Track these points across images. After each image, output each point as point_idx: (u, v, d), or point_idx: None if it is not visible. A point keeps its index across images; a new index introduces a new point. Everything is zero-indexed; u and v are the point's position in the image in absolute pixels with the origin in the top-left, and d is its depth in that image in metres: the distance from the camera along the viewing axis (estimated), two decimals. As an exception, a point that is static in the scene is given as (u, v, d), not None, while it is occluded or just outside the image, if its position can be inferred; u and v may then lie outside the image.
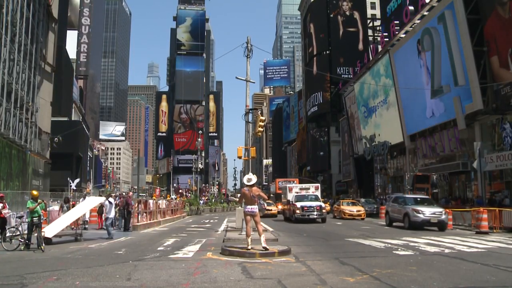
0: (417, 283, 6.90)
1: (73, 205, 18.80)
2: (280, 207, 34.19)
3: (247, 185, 10.70)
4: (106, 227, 16.64)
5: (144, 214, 22.43)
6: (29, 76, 29.95)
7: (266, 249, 9.96)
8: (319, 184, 32.46)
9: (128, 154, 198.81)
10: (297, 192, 27.84)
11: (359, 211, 27.98)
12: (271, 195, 44.45)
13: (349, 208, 28.34)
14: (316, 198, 25.75)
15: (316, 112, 63.93)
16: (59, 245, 13.57)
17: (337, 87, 54.71)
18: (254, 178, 10.86)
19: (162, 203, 28.37)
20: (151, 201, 26.84)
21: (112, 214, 17.39)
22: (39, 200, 12.99)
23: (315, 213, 23.26)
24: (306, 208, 23.35)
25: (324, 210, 23.88)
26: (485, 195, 20.87)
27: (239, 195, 10.78)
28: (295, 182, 44.92)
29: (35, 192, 13.33)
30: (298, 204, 23.65)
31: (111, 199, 17.83)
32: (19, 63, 27.49)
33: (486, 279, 7.23)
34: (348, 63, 57.67)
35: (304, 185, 32.08)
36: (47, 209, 18.16)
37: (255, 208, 10.32)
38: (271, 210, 31.97)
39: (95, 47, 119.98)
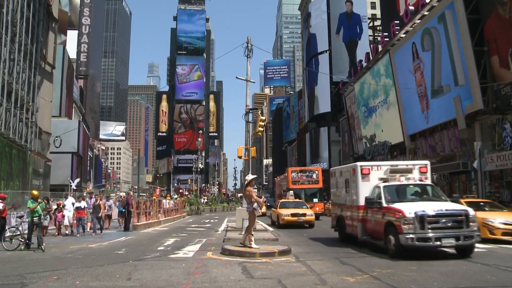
0: (417, 283, 6.90)
1: (58, 205, 18.13)
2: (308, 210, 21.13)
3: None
4: None
5: (145, 213, 22.46)
6: (29, 76, 29.94)
7: (243, 246, 10.84)
8: (428, 163, 12.46)
9: (128, 154, 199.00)
10: (383, 180, 11.58)
11: None
12: (289, 190, 30.02)
13: (498, 218, 12.99)
14: (424, 192, 11.26)
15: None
16: (59, 245, 13.60)
17: (337, 87, 54.66)
18: (250, 177, 11.64)
19: (166, 203, 28.58)
20: (164, 201, 27.53)
21: None
22: (39, 200, 13.02)
23: (452, 233, 9.38)
24: (431, 219, 9.38)
25: (473, 224, 9.62)
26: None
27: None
28: (316, 172, 31.78)
29: (35, 192, 13.35)
30: (406, 210, 9.55)
31: None
32: (19, 63, 27.48)
33: (486, 279, 7.23)
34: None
35: (398, 163, 12.63)
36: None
37: (247, 207, 11.29)
38: (305, 215, 20.26)
39: (95, 47, 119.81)
